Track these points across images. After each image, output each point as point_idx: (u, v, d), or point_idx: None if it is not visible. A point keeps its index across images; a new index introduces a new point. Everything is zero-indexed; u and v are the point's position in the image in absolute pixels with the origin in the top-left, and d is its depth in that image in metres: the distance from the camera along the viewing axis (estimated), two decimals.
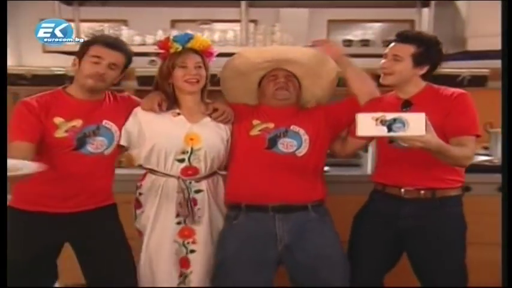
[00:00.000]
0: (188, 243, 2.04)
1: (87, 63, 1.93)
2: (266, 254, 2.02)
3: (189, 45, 2.02)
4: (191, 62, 2.00)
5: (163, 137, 2.01)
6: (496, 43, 2.66)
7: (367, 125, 1.67)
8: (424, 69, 2.03)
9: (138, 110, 2.06)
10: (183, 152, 2.00)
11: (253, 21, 3.41)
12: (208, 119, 2.07)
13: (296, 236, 2.01)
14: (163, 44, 2.04)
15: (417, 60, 2.00)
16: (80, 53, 1.96)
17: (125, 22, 3.62)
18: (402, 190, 2.04)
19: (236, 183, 2.09)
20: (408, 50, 2.00)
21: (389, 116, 1.67)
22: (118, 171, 2.17)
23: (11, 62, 3.82)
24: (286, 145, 2.05)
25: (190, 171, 2.03)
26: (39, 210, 1.93)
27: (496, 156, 3.15)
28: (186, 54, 2.01)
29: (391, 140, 2.01)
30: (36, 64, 3.40)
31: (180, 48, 2.00)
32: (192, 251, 2.05)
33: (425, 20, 3.13)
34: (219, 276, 2.05)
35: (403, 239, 2.07)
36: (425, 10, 3.14)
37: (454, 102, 1.97)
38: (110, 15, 3.49)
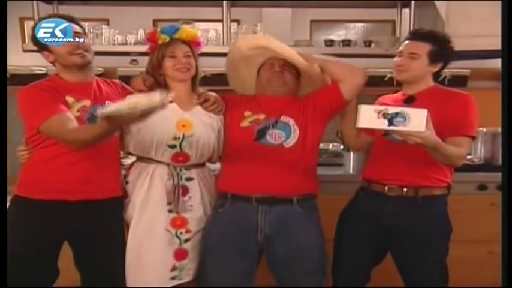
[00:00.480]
0: (181, 233, 2.05)
1: (59, 47, 1.93)
2: (247, 243, 2.03)
3: (176, 35, 2.05)
4: (180, 52, 2.04)
5: (156, 122, 1.97)
6: (475, 43, 2.71)
7: (368, 117, 1.67)
8: (438, 67, 2.07)
9: (129, 97, 2.06)
10: (175, 138, 2.01)
11: (236, 21, 3.41)
12: (199, 107, 2.09)
13: (276, 228, 2.02)
14: (151, 36, 2.08)
15: (433, 58, 2.03)
16: (42, 44, 1.94)
17: (106, 21, 3.57)
18: (386, 187, 2.06)
19: (225, 174, 2.12)
20: (424, 48, 2.03)
21: (392, 109, 1.68)
22: None
23: None
24: (274, 136, 2.04)
25: (181, 158, 2.04)
26: (53, 199, 1.91)
27: (475, 155, 3.19)
28: (175, 45, 2.04)
29: (385, 133, 2.02)
30: (15, 63, 3.33)
31: (167, 38, 2.04)
32: (187, 240, 2.06)
33: (405, 21, 3.16)
34: (204, 264, 2.07)
35: (387, 237, 2.10)
36: (406, 11, 3.17)
37: (456, 103, 2.00)
38: (91, 14, 3.44)
